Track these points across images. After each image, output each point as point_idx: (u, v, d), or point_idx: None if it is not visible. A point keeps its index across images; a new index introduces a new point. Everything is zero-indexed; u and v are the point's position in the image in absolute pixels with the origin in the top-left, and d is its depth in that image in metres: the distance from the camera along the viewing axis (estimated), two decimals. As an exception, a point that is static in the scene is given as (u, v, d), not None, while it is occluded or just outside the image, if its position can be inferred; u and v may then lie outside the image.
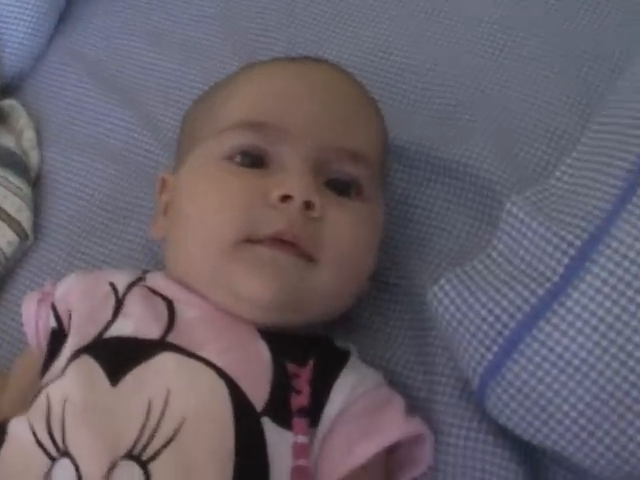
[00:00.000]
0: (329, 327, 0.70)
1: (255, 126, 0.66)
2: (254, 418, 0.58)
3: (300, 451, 0.58)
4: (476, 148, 0.79)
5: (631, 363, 0.53)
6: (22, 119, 0.98)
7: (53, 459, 0.57)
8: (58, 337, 0.67)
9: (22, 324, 0.76)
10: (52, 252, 0.88)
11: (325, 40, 0.95)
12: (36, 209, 0.91)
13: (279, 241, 0.62)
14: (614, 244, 0.56)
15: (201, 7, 1.02)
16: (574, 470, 0.61)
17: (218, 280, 0.64)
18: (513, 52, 0.87)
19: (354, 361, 0.65)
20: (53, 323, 0.69)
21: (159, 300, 0.66)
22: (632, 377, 0.54)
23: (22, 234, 0.87)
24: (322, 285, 0.64)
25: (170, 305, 0.65)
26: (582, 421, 0.54)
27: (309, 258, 0.63)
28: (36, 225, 0.90)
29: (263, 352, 0.62)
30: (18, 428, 0.60)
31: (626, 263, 0.55)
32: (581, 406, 0.55)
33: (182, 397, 0.58)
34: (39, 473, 0.57)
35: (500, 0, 0.91)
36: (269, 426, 0.58)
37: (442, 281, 0.61)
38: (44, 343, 0.70)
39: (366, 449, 0.60)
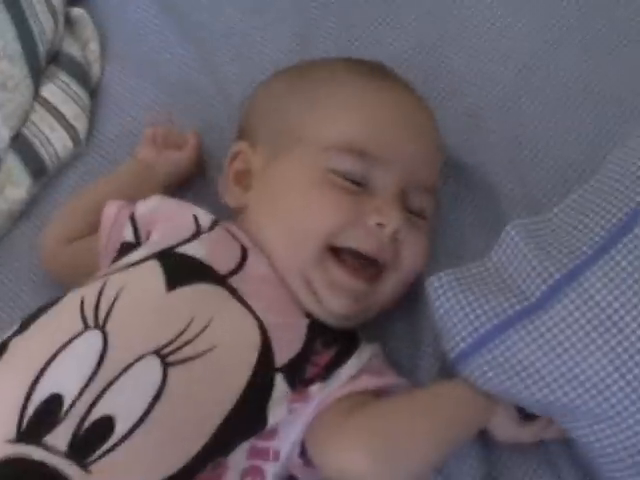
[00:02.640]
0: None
1: (359, 153, 0.76)
2: (271, 371, 0.68)
3: (295, 399, 0.69)
4: (493, 158, 0.90)
5: (574, 383, 0.66)
6: (88, 30, 1.05)
7: (87, 327, 0.66)
8: (130, 249, 0.76)
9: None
10: (99, 162, 0.96)
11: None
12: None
13: (359, 267, 0.74)
14: (586, 285, 0.68)
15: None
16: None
17: (303, 276, 0.74)
18: (538, 76, 0.97)
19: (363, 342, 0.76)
20: (129, 236, 0.78)
21: (236, 244, 0.75)
22: (567, 388, 0.67)
23: (77, 140, 0.96)
24: (383, 296, 0.76)
25: (244, 252, 0.75)
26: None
27: (379, 272, 0.75)
28: (87, 133, 0.97)
29: (302, 325, 0.73)
30: (71, 296, 0.70)
31: (591, 303, 0.67)
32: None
33: (221, 328, 0.68)
34: (69, 333, 0.65)
35: (534, 30, 1.01)
36: (279, 381, 0.68)
37: (442, 274, 0.73)
38: (111, 247, 0.79)
39: (368, 381, 0.72)
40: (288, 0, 1.05)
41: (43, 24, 0.99)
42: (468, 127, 0.94)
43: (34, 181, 0.93)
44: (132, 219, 0.79)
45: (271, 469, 0.68)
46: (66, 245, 0.84)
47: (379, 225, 0.74)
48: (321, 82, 0.82)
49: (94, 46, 1.04)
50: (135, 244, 0.78)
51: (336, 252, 0.74)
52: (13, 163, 0.92)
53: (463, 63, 0.99)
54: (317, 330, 0.73)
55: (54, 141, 0.95)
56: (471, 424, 0.73)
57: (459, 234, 0.88)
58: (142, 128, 0.97)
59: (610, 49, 0.98)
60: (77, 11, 1.06)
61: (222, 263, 0.73)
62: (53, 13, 1.01)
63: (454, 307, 0.71)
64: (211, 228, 0.77)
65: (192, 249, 0.73)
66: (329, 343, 0.73)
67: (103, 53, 1.04)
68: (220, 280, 0.71)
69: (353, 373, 0.72)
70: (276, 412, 0.68)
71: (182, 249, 0.73)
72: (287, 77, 0.86)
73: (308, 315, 0.74)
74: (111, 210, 0.81)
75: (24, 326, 0.69)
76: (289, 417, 0.69)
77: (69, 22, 1.05)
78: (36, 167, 0.93)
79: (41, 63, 0.98)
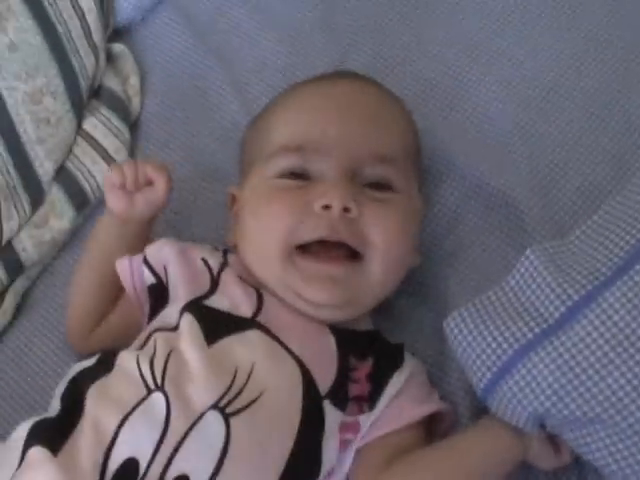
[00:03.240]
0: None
1: (294, 149, 0.79)
2: (318, 401, 0.71)
3: (346, 428, 0.72)
4: (518, 181, 0.92)
5: (592, 403, 0.67)
6: (129, 64, 1.09)
7: (150, 391, 0.69)
8: (158, 290, 0.79)
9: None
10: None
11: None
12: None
13: (326, 254, 0.75)
14: (604, 305, 0.68)
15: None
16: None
17: (283, 284, 0.76)
18: (562, 98, 0.98)
19: (407, 355, 0.79)
20: (150, 279, 0.80)
21: (248, 286, 0.78)
22: (586, 408, 0.68)
23: (117, 173, 1.00)
24: (372, 277, 0.77)
25: (259, 293, 0.77)
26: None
27: (356, 255, 0.76)
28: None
29: (331, 345, 0.75)
30: (126, 360, 0.72)
31: (609, 323, 0.68)
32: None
33: (264, 372, 0.70)
34: (135, 398, 0.68)
35: (556, 53, 1.02)
36: (329, 408, 0.71)
37: (456, 312, 0.74)
38: (142, 296, 0.81)
39: (414, 413, 0.74)
40: (320, 32, 1.08)
41: (84, 60, 1.03)
42: (493, 150, 0.95)
43: (77, 212, 0.97)
44: (146, 262, 0.80)
45: None
46: (94, 330, 0.85)
47: (326, 208, 0.75)
48: (269, 108, 0.87)
49: (134, 80, 1.08)
50: (157, 283, 0.80)
51: (304, 249, 0.76)
52: (57, 195, 0.97)
53: (487, 87, 1.00)
54: (346, 345, 0.75)
55: (96, 174, 0.99)
56: (505, 464, 0.74)
57: (485, 256, 0.89)
58: (181, 162, 1.01)
59: (632, 67, 0.99)
60: (118, 47, 1.10)
61: (246, 307, 0.75)
62: (94, 49, 1.05)
63: (476, 339, 0.72)
64: (221, 270, 0.79)
65: (217, 302, 0.76)
66: (364, 355, 0.75)
67: (143, 86, 1.08)
68: (251, 323, 0.74)
69: (394, 393, 0.74)
70: (330, 446, 0.71)
71: (208, 302, 0.76)
72: (250, 123, 0.91)
73: (332, 329, 0.76)
74: (124, 264, 0.81)
75: (80, 387, 0.71)
76: (341, 454, 0.72)
77: (111, 57, 1.09)
78: (79, 199, 0.98)
79: (83, 98, 1.03)
